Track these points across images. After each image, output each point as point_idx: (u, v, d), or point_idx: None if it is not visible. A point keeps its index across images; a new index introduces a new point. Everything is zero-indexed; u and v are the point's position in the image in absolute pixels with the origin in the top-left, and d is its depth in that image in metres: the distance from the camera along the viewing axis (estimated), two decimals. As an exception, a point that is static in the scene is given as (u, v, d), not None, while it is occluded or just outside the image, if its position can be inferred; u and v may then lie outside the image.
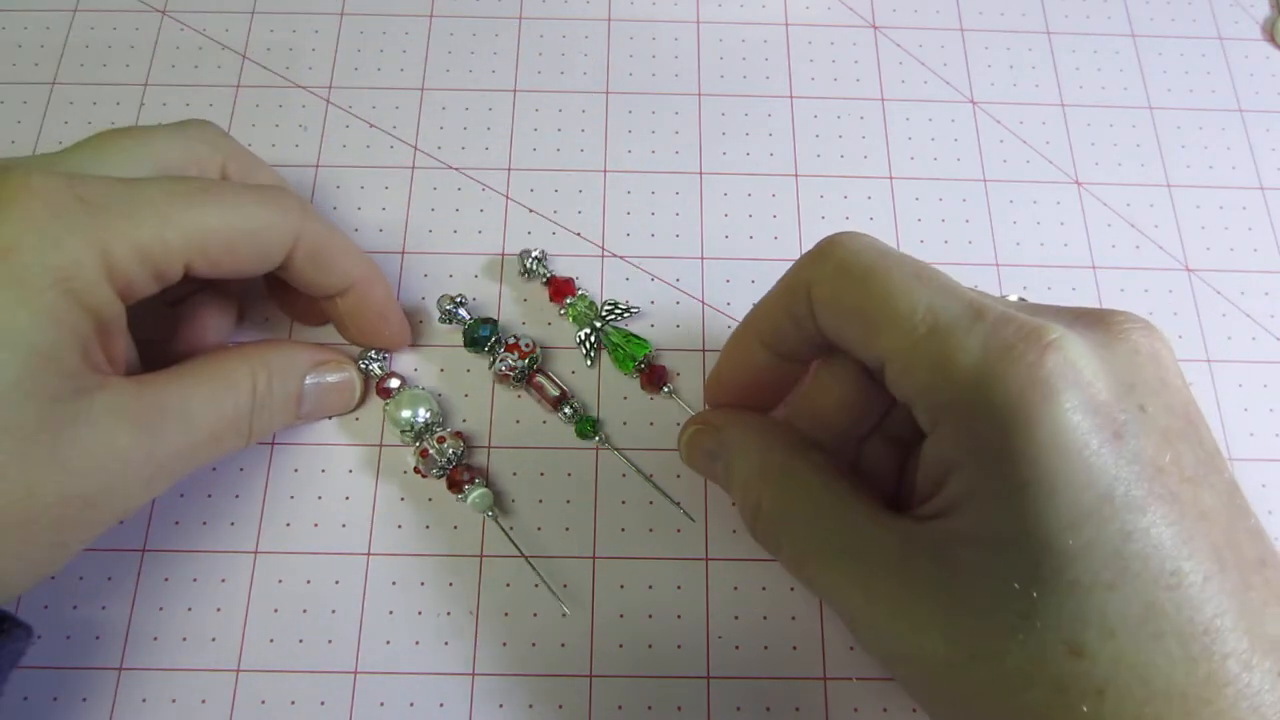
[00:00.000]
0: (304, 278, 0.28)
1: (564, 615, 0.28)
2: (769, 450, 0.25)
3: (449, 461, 0.29)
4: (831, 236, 0.24)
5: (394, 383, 0.30)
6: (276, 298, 0.32)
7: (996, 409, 0.19)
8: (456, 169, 0.35)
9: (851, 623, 0.23)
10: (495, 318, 0.32)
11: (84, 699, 0.27)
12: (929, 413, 0.21)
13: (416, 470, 0.29)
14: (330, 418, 0.31)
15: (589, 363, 0.32)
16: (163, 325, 0.29)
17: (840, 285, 0.23)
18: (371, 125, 0.36)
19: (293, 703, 0.28)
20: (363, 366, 0.31)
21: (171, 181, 0.25)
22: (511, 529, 0.29)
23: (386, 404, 0.30)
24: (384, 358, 0.31)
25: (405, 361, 0.32)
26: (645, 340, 0.31)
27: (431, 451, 0.29)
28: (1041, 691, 0.19)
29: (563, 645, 0.28)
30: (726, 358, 0.27)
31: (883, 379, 0.22)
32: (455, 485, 0.29)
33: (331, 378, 0.30)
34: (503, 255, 0.33)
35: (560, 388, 0.31)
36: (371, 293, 0.29)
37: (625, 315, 0.32)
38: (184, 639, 0.28)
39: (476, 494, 0.29)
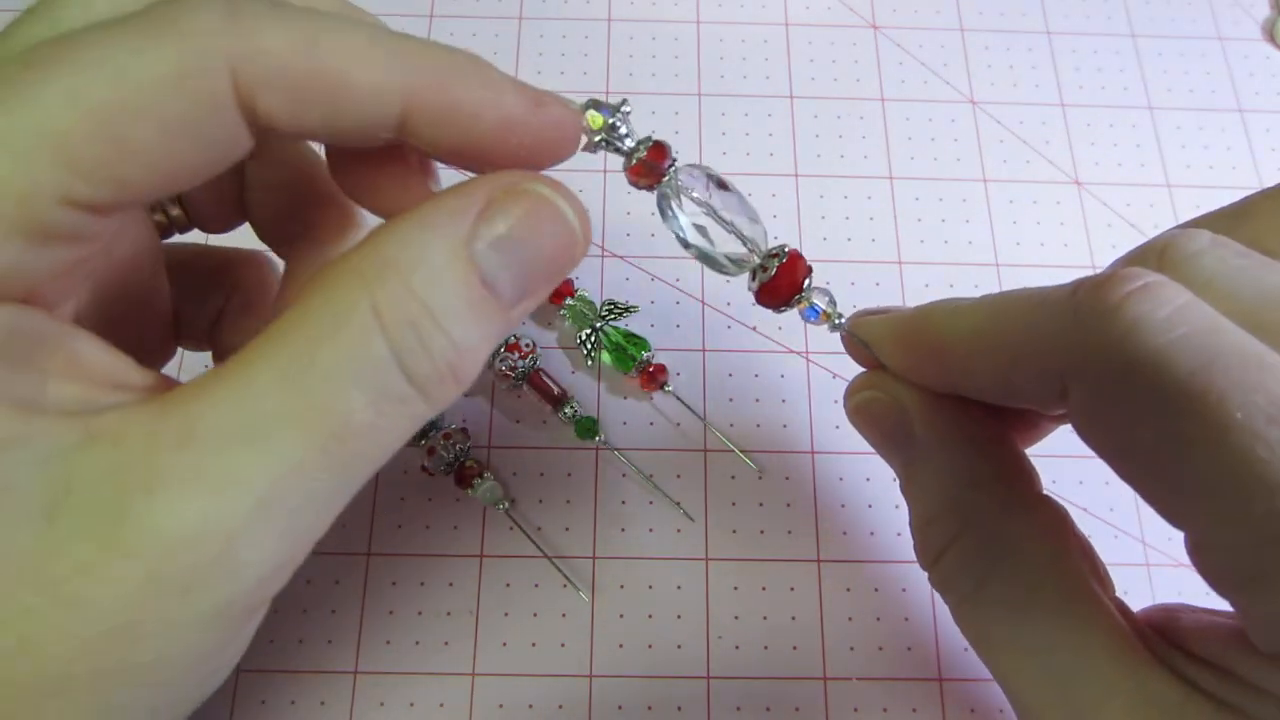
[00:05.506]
0: (314, 130, 0.16)
1: (584, 600, 0.29)
2: (976, 485, 0.19)
3: (456, 458, 0.29)
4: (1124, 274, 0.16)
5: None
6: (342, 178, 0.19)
7: None
8: (458, 169, 0.35)
9: None
10: (495, 318, 0.32)
11: (84, 699, 0.27)
12: None
13: (423, 468, 0.29)
14: (559, 281, 0.18)
15: (589, 363, 0.32)
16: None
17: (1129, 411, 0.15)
18: (371, 125, 0.35)
19: (293, 703, 0.28)
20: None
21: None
22: (512, 528, 0.29)
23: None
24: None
25: (405, 361, 0.32)
26: (645, 340, 0.31)
27: (439, 448, 0.29)
28: None
29: (563, 645, 0.28)
30: (936, 339, 0.20)
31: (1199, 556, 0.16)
32: (466, 480, 0.29)
33: (516, 211, 0.16)
34: (503, 255, 0.33)
35: (560, 388, 0.31)
36: (459, 96, 0.16)
37: (625, 315, 0.32)
38: (184, 639, 0.28)
39: (485, 487, 0.29)
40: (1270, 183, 0.35)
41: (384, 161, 0.18)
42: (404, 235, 0.15)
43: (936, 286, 0.33)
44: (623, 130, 0.18)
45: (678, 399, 0.31)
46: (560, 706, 0.28)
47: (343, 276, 0.15)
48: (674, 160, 0.19)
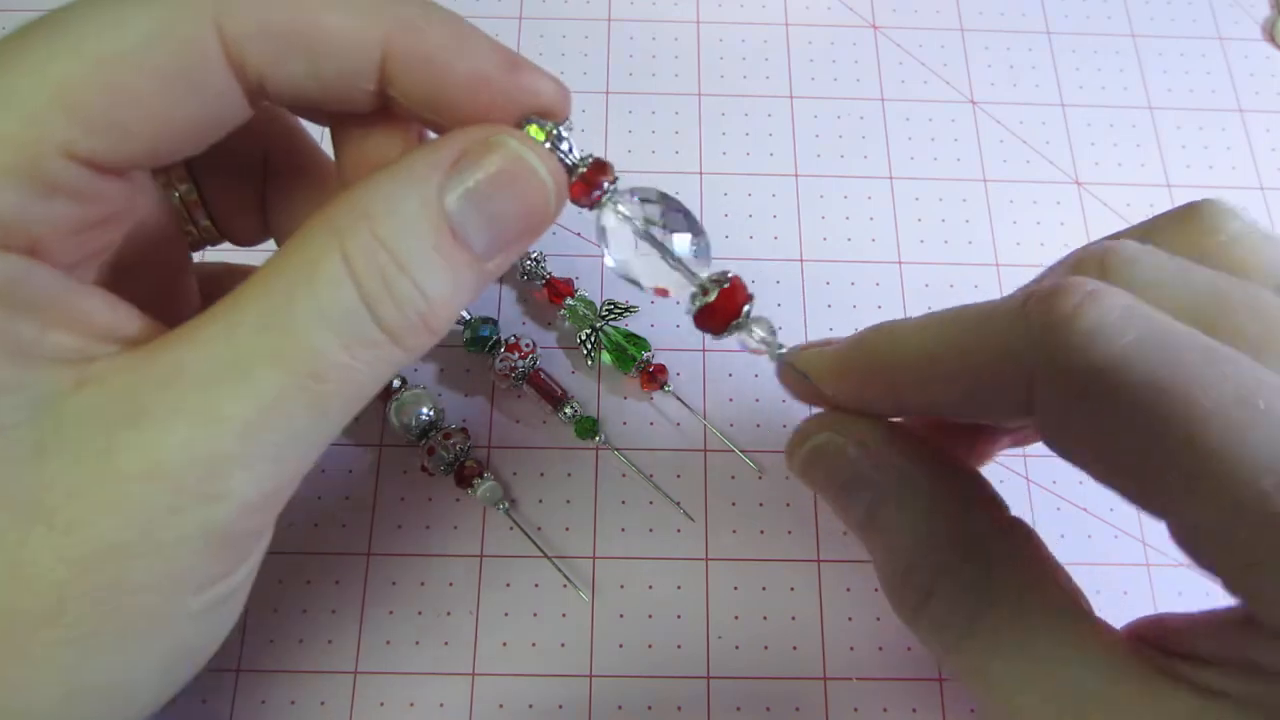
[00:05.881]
0: (294, 85, 0.16)
1: (584, 600, 0.29)
2: (951, 518, 0.19)
3: (456, 458, 0.29)
4: (1069, 301, 0.16)
5: (395, 383, 0.30)
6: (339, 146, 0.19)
7: None
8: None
9: None
10: (495, 318, 0.32)
11: (84, 699, 0.27)
12: None
13: (423, 468, 0.29)
14: (534, 239, 0.18)
15: (589, 363, 0.32)
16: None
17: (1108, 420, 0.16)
18: (371, 125, 0.35)
19: (293, 703, 0.28)
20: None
21: None
22: (512, 528, 0.29)
23: (389, 404, 0.30)
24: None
25: (405, 361, 0.32)
26: (645, 340, 0.31)
27: (439, 448, 0.29)
28: None
29: (563, 645, 0.28)
30: (915, 339, 0.19)
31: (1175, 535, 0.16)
32: (466, 480, 0.29)
33: (487, 169, 0.16)
34: (503, 255, 0.33)
35: (560, 388, 0.31)
36: (438, 48, 0.17)
37: (625, 315, 0.32)
38: (184, 639, 0.28)
39: (486, 487, 0.29)
40: (1270, 183, 0.35)
41: (387, 149, 0.18)
42: (377, 187, 0.16)
43: (936, 286, 0.33)
44: (565, 146, 0.18)
45: (678, 399, 0.31)
46: (560, 706, 0.28)
47: (319, 227, 0.15)
48: (614, 180, 0.19)
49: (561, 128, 0.18)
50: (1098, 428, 0.16)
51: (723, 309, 0.19)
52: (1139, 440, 0.15)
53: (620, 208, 0.19)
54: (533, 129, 0.17)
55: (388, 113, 0.18)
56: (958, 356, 0.18)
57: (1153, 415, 0.15)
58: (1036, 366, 0.16)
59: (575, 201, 0.19)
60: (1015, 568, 0.19)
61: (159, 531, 0.15)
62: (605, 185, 0.18)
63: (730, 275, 0.19)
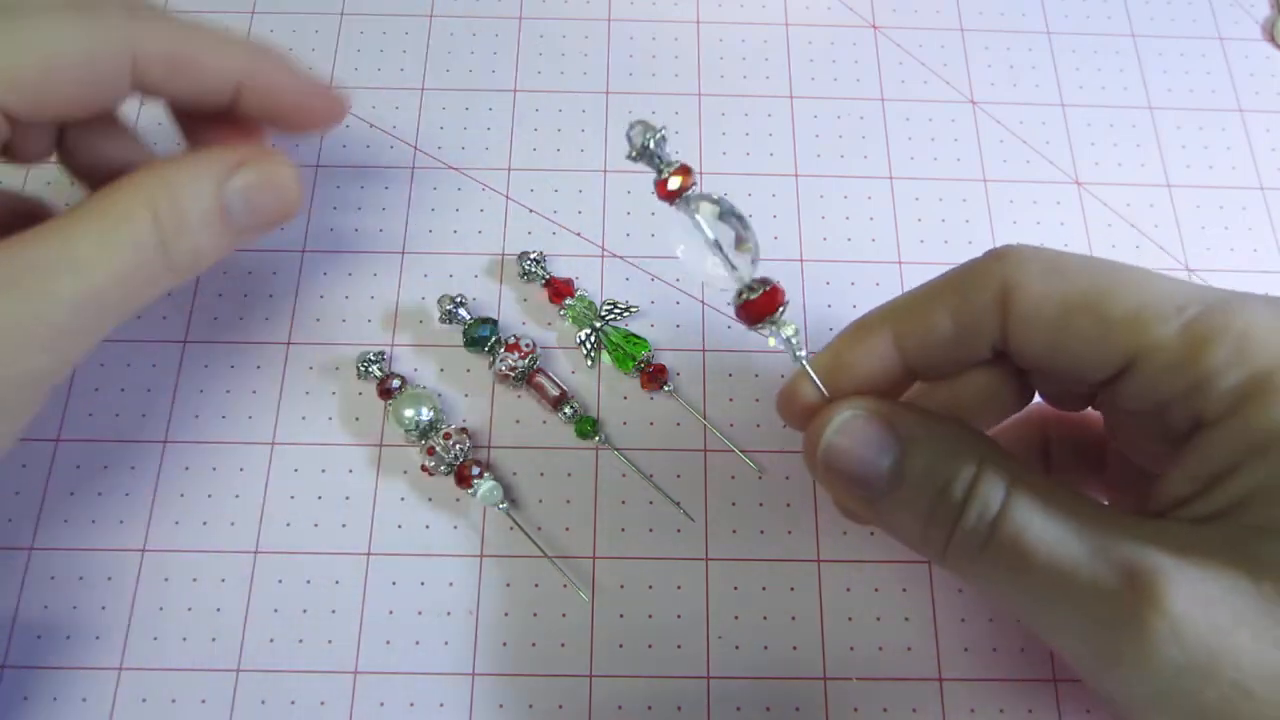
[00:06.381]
0: (180, 94, 0.24)
1: (584, 599, 0.29)
2: (971, 446, 0.21)
3: (456, 458, 0.29)
4: (1005, 246, 0.22)
5: (395, 383, 0.30)
6: (191, 136, 0.28)
7: None
8: (456, 169, 0.35)
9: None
10: (495, 318, 0.32)
11: (84, 699, 0.27)
12: (1208, 406, 0.19)
13: (424, 468, 0.29)
14: (276, 227, 0.26)
15: (589, 363, 0.32)
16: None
17: (1061, 283, 0.21)
18: (371, 125, 0.36)
19: (293, 703, 0.28)
20: (361, 369, 0.31)
21: None
22: (512, 528, 0.29)
23: (389, 404, 0.30)
24: (383, 358, 0.31)
25: (405, 362, 0.32)
26: (645, 340, 0.31)
27: (438, 448, 0.29)
28: None
29: (563, 645, 0.28)
30: (844, 352, 0.24)
31: (1107, 386, 0.21)
32: (464, 480, 0.29)
33: (256, 174, 0.24)
34: (502, 255, 0.33)
35: (560, 388, 0.31)
36: (271, 84, 0.25)
37: (625, 315, 0.32)
38: (184, 639, 0.28)
39: (486, 487, 0.29)
40: (1270, 183, 0.35)
41: (227, 127, 0.27)
42: (184, 167, 0.24)
43: (936, 286, 0.33)
44: (662, 150, 0.23)
45: (678, 399, 0.31)
46: (560, 706, 0.28)
47: (140, 184, 0.23)
48: (693, 184, 0.23)
49: (660, 134, 0.23)
50: (1068, 302, 0.21)
51: (761, 305, 0.23)
52: (1095, 302, 0.21)
53: (696, 209, 0.23)
54: (638, 128, 0.23)
55: (229, 114, 0.26)
56: (938, 314, 0.23)
57: (1099, 282, 0.21)
58: (1021, 285, 0.21)
59: (661, 198, 0.23)
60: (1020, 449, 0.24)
61: None
62: (684, 186, 0.23)
63: (774, 282, 0.23)
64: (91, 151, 0.27)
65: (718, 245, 0.23)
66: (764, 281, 0.23)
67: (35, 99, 0.22)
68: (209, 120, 0.26)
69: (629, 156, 0.23)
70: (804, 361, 0.23)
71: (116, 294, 0.23)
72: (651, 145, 0.23)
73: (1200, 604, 0.18)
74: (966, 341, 0.22)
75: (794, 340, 0.23)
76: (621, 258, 0.33)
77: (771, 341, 0.23)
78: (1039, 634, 0.21)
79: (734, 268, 0.23)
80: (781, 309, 0.23)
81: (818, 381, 0.23)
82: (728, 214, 0.23)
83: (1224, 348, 0.19)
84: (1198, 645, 0.18)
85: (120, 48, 0.23)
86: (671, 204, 0.23)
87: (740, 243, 0.23)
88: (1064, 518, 0.20)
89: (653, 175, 0.23)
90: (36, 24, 0.22)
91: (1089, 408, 0.25)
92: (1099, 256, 0.22)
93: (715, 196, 0.23)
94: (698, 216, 0.23)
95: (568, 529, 0.30)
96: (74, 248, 0.22)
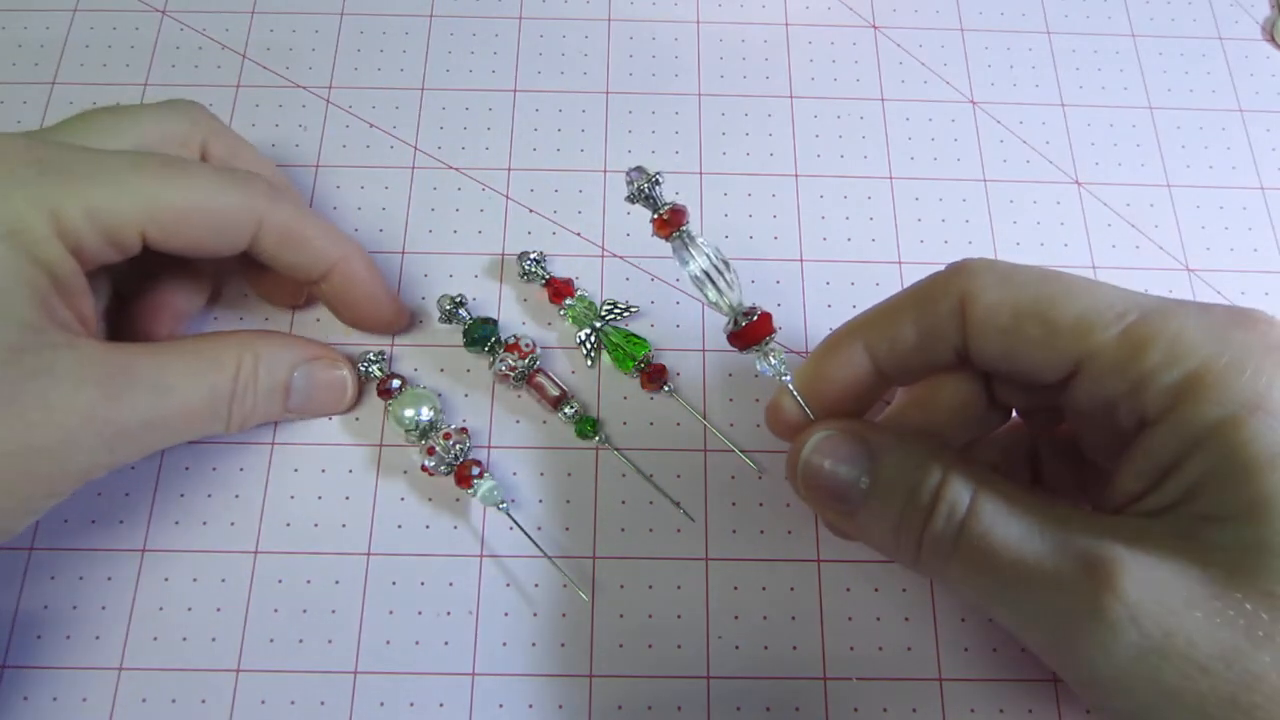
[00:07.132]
0: (277, 260, 0.28)
1: (584, 600, 0.29)
2: (936, 456, 0.23)
3: (456, 458, 0.29)
4: (963, 260, 0.24)
5: (395, 383, 0.30)
6: (250, 279, 0.32)
7: (1236, 384, 0.20)
8: (456, 169, 0.35)
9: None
10: (495, 318, 0.32)
11: (84, 699, 0.27)
12: (1149, 405, 0.21)
13: (424, 469, 0.29)
14: (321, 417, 0.31)
15: (589, 363, 0.32)
16: (138, 302, 0.30)
17: (1012, 292, 0.22)
18: (371, 125, 0.36)
19: (293, 703, 0.28)
20: (362, 369, 0.31)
21: (137, 155, 0.25)
22: (512, 528, 0.29)
23: (389, 404, 0.30)
24: (383, 358, 0.31)
25: (405, 362, 0.32)
26: (645, 340, 0.31)
27: (439, 448, 0.29)
28: None
29: (563, 645, 0.28)
30: (821, 364, 0.26)
31: (1056, 389, 0.23)
32: (464, 480, 0.29)
33: (323, 374, 0.29)
34: (503, 255, 0.33)
35: (560, 388, 0.31)
36: (354, 274, 0.29)
37: (625, 315, 0.32)
38: (184, 639, 0.28)
39: (485, 487, 0.29)
40: (1270, 183, 0.35)
41: (276, 281, 0.31)
42: (272, 341, 0.28)
43: (936, 286, 0.33)
44: (656, 192, 0.26)
45: (678, 399, 0.31)
46: (560, 706, 0.28)
47: (237, 341, 0.27)
48: (686, 224, 0.26)
49: (656, 178, 0.26)
50: (1019, 309, 0.22)
51: (748, 334, 0.26)
52: (1043, 309, 0.22)
53: (688, 246, 0.26)
54: (636, 175, 0.26)
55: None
56: (905, 327, 0.24)
57: (1047, 291, 0.22)
58: (977, 294, 0.23)
59: (657, 235, 0.26)
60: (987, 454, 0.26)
61: (68, 451, 0.23)
62: (678, 227, 0.26)
63: (760, 311, 0.26)
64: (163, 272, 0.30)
65: (709, 277, 0.26)
66: (750, 312, 0.25)
67: (168, 234, 0.25)
68: (268, 273, 0.30)
69: (627, 199, 0.26)
70: (789, 384, 0.25)
71: (177, 424, 0.25)
72: (648, 190, 0.26)
73: (1154, 589, 0.19)
74: (930, 347, 0.24)
75: (777, 364, 0.25)
76: (621, 258, 0.33)
77: (758, 366, 0.26)
78: (1011, 630, 0.22)
79: (724, 298, 0.26)
80: (768, 339, 0.26)
81: (801, 400, 0.25)
82: (714, 258, 0.26)
83: (1159, 350, 0.21)
84: (1154, 627, 0.19)
85: (251, 216, 0.26)
86: (667, 240, 0.26)
87: (721, 291, 0.26)
88: (1026, 517, 0.21)
89: (649, 214, 0.26)
90: (195, 180, 0.25)
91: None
92: (1049, 268, 0.23)
93: (701, 241, 0.26)
94: (691, 251, 0.26)
95: (568, 529, 0.30)
96: (166, 373, 0.25)
